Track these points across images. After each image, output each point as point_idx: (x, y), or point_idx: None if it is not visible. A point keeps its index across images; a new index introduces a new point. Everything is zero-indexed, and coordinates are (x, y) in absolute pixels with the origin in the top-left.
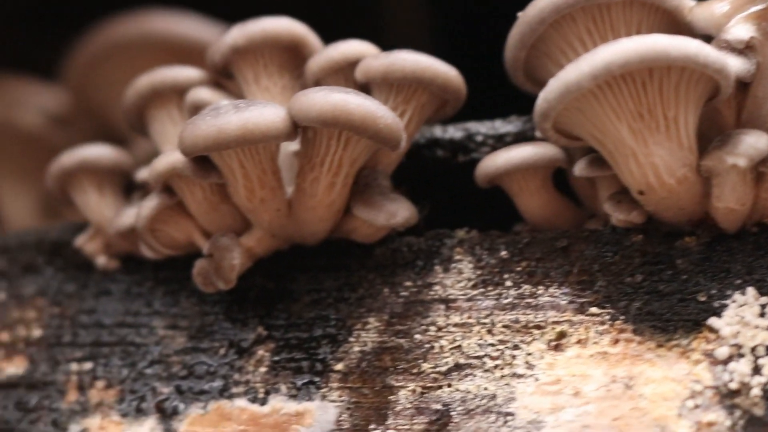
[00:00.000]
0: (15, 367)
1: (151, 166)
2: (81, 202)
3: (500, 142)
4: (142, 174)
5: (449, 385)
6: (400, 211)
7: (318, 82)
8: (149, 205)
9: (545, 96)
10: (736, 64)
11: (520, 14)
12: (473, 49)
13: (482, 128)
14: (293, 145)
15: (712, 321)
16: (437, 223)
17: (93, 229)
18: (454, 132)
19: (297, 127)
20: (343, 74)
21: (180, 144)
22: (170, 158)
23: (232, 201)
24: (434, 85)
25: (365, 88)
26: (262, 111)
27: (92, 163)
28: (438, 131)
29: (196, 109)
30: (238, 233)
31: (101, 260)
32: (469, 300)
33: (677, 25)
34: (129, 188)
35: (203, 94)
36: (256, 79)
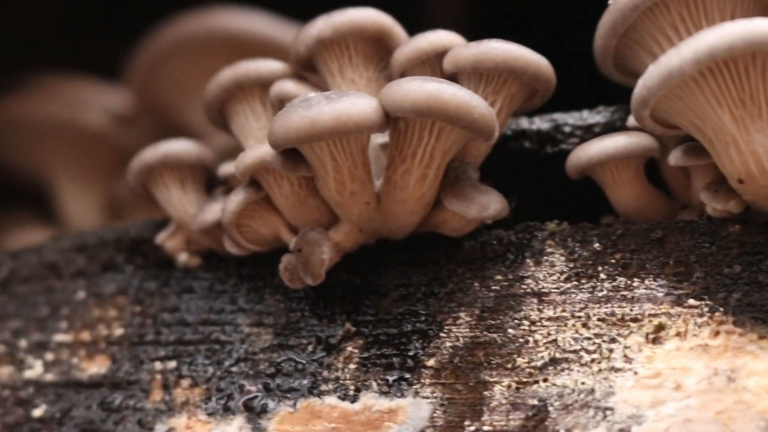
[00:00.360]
0: (97, 367)
1: (239, 159)
2: (162, 198)
3: (588, 132)
4: (225, 169)
5: (545, 380)
6: (492, 204)
7: (404, 73)
8: (236, 199)
9: (645, 83)
10: None
11: (611, 1)
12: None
13: (570, 119)
14: (379, 137)
15: None
16: (523, 215)
17: (174, 225)
18: (540, 123)
19: (388, 118)
20: (430, 65)
21: (270, 136)
22: (258, 151)
23: (319, 194)
24: (526, 74)
25: (453, 78)
26: (355, 101)
27: (175, 158)
28: (524, 122)
29: (281, 102)
30: (324, 227)
31: (182, 257)
32: (562, 293)
33: None
34: (209, 184)
35: (288, 86)
36: (341, 71)
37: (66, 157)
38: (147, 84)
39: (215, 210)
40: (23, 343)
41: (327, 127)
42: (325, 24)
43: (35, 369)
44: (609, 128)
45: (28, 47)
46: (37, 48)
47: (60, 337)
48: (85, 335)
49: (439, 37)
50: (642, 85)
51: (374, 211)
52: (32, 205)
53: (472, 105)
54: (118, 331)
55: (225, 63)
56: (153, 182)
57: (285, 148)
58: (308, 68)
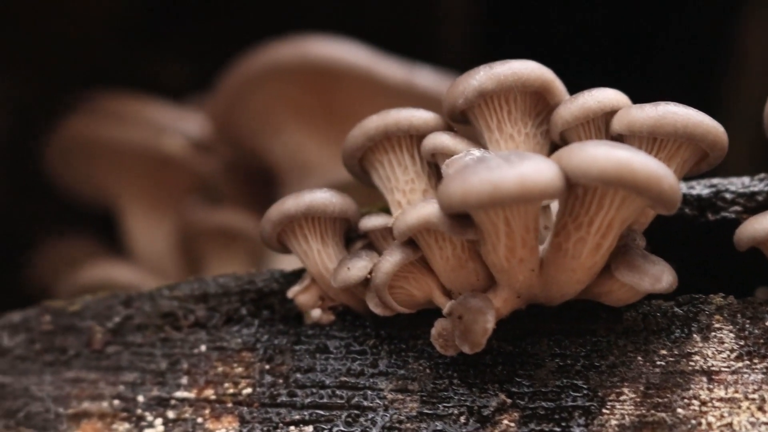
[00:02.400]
0: (225, 428)
1: (399, 218)
2: (299, 251)
3: (751, 200)
4: (369, 223)
5: None
6: (664, 276)
7: (565, 132)
8: (391, 260)
9: None
10: None
11: None
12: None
13: (731, 185)
14: None
15: None
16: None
17: (309, 279)
18: (700, 189)
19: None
20: (595, 124)
21: (444, 198)
22: (422, 212)
23: (480, 258)
24: (705, 141)
25: (619, 140)
26: (539, 166)
27: (319, 209)
28: (683, 187)
29: (433, 156)
30: (479, 292)
31: (315, 313)
32: (733, 373)
33: None
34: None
35: (445, 140)
36: (500, 125)
37: (137, 183)
38: (228, 111)
39: (360, 267)
40: (141, 398)
41: (511, 193)
42: (487, 76)
43: (156, 428)
44: None
45: (78, 61)
46: (87, 62)
47: (181, 394)
48: (210, 392)
49: (608, 96)
50: None
51: (536, 278)
52: (94, 230)
53: (661, 175)
54: (247, 390)
55: (313, 94)
56: (291, 233)
57: (460, 211)
58: (460, 120)
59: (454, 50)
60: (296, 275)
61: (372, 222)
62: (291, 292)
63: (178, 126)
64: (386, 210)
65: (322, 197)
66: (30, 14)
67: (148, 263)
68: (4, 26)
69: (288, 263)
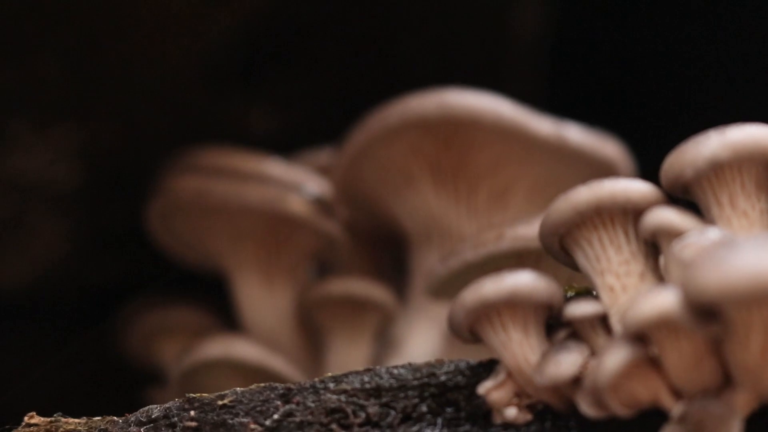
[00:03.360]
0: None
1: (630, 310)
2: (496, 341)
3: None
4: (577, 310)
5: None
6: None
7: None
8: (619, 358)
9: None
10: None
11: None
12: (591, 101)
13: None
14: None
15: None
16: None
17: (504, 373)
18: None
19: None
20: None
21: (693, 287)
22: (658, 302)
23: (720, 355)
24: None
25: None
26: None
27: (524, 296)
28: None
29: (653, 235)
30: (711, 392)
31: (511, 413)
32: None
33: None
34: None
35: (671, 217)
36: (732, 200)
37: (251, 246)
38: (356, 167)
39: (571, 362)
40: None
41: None
42: (720, 144)
43: None
44: None
45: (163, 108)
46: (172, 110)
47: None
48: None
49: None
50: None
51: None
52: (196, 296)
53: None
54: None
55: (449, 150)
56: (487, 321)
57: (710, 303)
58: (681, 194)
59: (516, 84)
60: (483, 367)
61: (581, 309)
62: (483, 388)
63: (300, 184)
64: (584, 293)
65: (526, 282)
66: (113, 61)
67: (260, 335)
68: (87, 74)
69: (421, 338)
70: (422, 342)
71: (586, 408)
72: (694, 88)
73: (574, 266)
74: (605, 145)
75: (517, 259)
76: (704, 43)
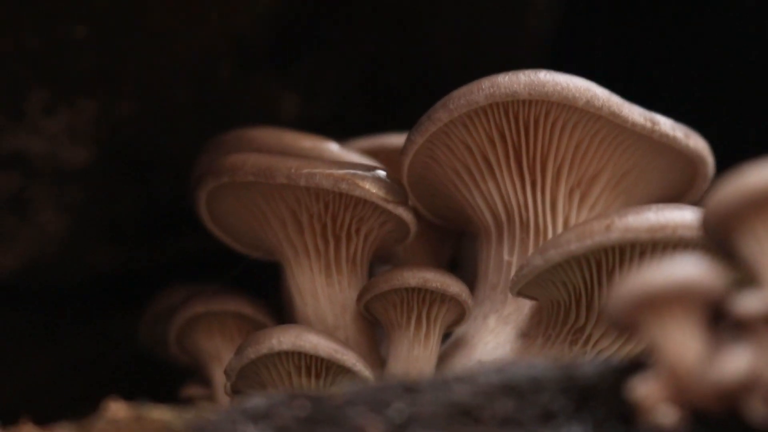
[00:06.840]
0: None
1: None
2: (658, 336)
3: None
4: (752, 306)
5: None
6: None
7: None
8: None
9: None
10: None
11: None
12: None
13: None
14: None
15: None
16: None
17: (664, 371)
18: None
19: None
20: None
21: None
22: None
23: None
24: None
25: None
26: None
27: (697, 289)
28: None
29: None
30: None
31: (663, 414)
32: None
33: None
34: None
35: None
36: None
37: (313, 233)
38: (425, 153)
39: (742, 364)
40: None
41: None
42: None
43: None
44: None
45: (194, 87)
46: (202, 90)
47: None
48: None
49: None
50: None
51: None
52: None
53: None
54: None
55: (530, 135)
56: (650, 314)
57: None
58: None
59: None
60: (629, 364)
61: (755, 305)
62: (639, 390)
63: (369, 167)
64: (747, 285)
65: (699, 273)
66: (141, 34)
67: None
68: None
69: (492, 337)
70: (494, 342)
71: (757, 414)
72: (714, 89)
73: (732, 257)
74: (695, 138)
75: (619, 251)
76: (720, 45)
